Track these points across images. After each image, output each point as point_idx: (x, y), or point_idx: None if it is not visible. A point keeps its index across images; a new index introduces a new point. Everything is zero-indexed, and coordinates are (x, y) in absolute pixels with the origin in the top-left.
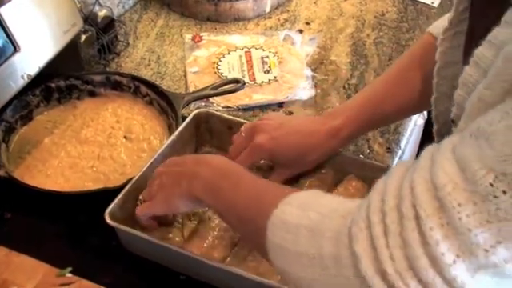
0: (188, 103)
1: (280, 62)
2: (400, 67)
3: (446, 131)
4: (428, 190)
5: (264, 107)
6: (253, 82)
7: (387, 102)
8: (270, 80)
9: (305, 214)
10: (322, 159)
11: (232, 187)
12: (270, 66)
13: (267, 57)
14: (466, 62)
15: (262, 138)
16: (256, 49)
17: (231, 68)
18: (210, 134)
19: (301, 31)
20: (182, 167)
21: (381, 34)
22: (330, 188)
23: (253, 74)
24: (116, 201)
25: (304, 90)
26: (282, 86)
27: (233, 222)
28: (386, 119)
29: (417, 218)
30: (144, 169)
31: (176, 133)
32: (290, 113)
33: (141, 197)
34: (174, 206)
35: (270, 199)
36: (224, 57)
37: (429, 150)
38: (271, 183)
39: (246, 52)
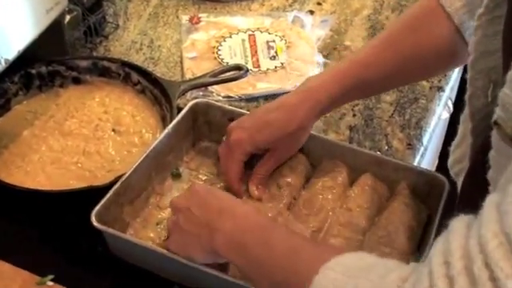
0: (184, 92)
1: (288, 47)
2: (391, 31)
3: (482, 130)
4: (501, 244)
5: (269, 97)
6: (257, 69)
7: (371, 68)
8: (276, 67)
9: (352, 281)
10: (307, 130)
11: (260, 244)
12: (276, 52)
13: (273, 41)
14: (506, 51)
15: (237, 132)
16: (261, 32)
17: (233, 53)
18: (209, 126)
19: (311, 12)
20: (204, 212)
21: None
22: (345, 188)
23: (257, 59)
24: (104, 201)
25: None
26: (289, 74)
27: (261, 283)
28: (371, 87)
29: (493, 279)
30: (135, 166)
31: (171, 125)
32: None
33: None
34: (191, 257)
35: (307, 261)
36: (225, 40)
37: (492, 200)
38: (305, 239)
39: (249, 35)
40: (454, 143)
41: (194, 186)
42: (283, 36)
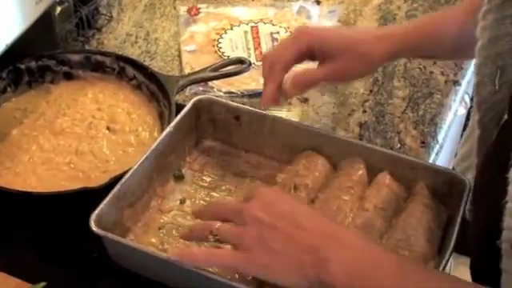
0: (183, 88)
1: None
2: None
3: (490, 121)
4: None
5: None
6: (260, 63)
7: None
8: None
9: None
10: (374, 63)
11: (390, 278)
12: None
13: (277, 33)
14: None
15: (306, 27)
16: (264, 23)
17: (234, 46)
18: (213, 124)
19: (318, 2)
20: (301, 235)
21: (414, 5)
22: (364, 187)
23: (260, 53)
24: (102, 205)
25: None
26: (294, 68)
27: None
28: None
29: None
30: (135, 167)
31: (172, 124)
32: (306, 99)
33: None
34: (278, 280)
35: None
36: (226, 33)
37: None
38: (441, 276)
39: (252, 27)
40: (461, 140)
41: (265, 194)
42: (288, 27)
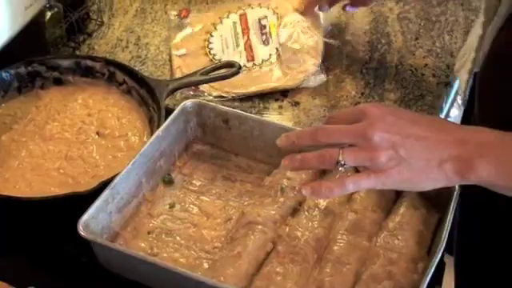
0: (173, 91)
1: (282, 25)
2: None
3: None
4: None
5: (265, 96)
6: (251, 64)
7: None
8: (270, 55)
9: None
10: None
11: None
12: (269, 33)
13: (265, 17)
14: None
15: None
16: (252, 8)
17: (224, 44)
18: (203, 129)
19: None
20: (430, 143)
21: (406, 7)
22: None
23: (250, 47)
24: (91, 209)
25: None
26: (286, 67)
27: None
28: None
29: None
30: (124, 172)
31: (161, 128)
32: (297, 103)
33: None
34: (424, 189)
35: None
36: (216, 29)
37: None
38: None
39: (240, 16)
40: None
41: (379, 111)
42: (276, 7)
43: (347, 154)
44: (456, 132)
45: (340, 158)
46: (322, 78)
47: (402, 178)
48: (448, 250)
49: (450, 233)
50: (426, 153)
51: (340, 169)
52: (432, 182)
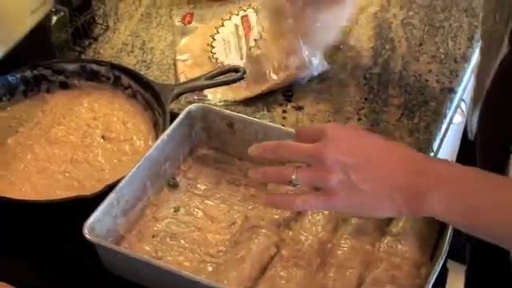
0: (178, 96)
1: None
2: None
3: (490, 48)
4: None
5: (269, 100)
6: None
7: None
8: None
9: None
10: None
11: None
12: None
13: None
14: None
15: None
16: (253, 9)
17: (227, 48)
18: (208, 133)
19: None
20: (384, 169)
21: (410, 13)
22: None
23: (250, 49)
24: (97, 212)
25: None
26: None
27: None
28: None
29: None
30: (129, 175)
31: (166, 132)
32: (301, 108)
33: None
34: (372, 216)
35: None
36: (218, 32)
37: None
38: None
39: (242, 17)
40: None
41: (337, 133)
42: None
43: (300, 173)
44: (417, 162)
45: (293, 177)
46: (324, 66)
47: (351, 204)
48: (460, 259)
49: (463, 243)
50: (377, 181)
51: (292, 188)
52: (382, 211)
